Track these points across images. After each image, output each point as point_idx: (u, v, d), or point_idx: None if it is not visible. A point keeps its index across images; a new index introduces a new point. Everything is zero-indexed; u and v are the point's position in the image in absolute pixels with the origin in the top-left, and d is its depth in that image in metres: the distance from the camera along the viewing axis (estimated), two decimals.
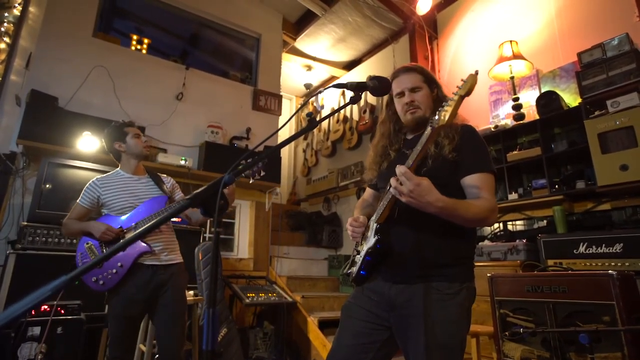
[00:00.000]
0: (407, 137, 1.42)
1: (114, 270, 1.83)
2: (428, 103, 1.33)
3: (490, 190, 1.20)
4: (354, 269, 1.31)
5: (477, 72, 1.06)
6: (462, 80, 1.04)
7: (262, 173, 1.89)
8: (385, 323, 1.23)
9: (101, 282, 1.82)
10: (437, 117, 1.03)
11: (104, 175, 2.06)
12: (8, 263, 2.40)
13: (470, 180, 1.19)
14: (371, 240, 1.22)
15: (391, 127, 1.43)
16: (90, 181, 2.00)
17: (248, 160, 0.94)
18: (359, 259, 1.29)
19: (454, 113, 1.03)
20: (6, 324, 0.42)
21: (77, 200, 1.98)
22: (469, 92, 1.03)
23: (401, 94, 1.34)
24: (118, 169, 2.08)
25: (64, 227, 1.94)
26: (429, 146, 1.10)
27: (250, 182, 1.92)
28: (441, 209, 1.04)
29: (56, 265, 2.49)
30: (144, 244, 1.90)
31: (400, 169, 1.03)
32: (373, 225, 1.24)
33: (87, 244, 1.92)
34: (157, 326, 1.94)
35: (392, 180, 1.05)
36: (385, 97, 1.42)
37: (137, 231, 0.72)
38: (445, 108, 1.02)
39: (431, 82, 1.36)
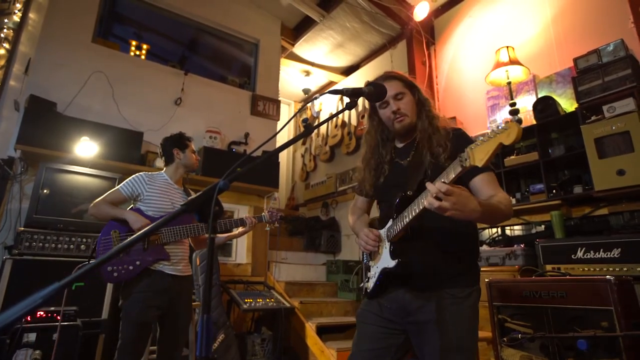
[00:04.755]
0: (397, 146, 1.42)
1: (130, 267, 1.88)
2: (412, 108, 1.34)
3: (496, 183, 1.22)
4: (369, 285, 1.32)
5: (520, 120, 0.99)
6: (503, 125, 0.88)
7: (280, 217, 2.28)
8: (399, 327, 1.26)
9: (115, 273, 1.87)
10: (467, 155, 0.92)
11: (151, 173, 2.14)
12: (4, 268, 2.38)
13: (479, 182, 1.21)
14: (390, 262, 1.21)
15: (378, 138, 1.43)
16: (139, 174, 2.09)
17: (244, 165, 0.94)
18: (372, 275, 1.30)
19: (491, 158, 0.88)
20: None
21: (118, 186, 2.05)
22: (512, 143, 0.85)
23: (385, 103, 1.33)
24: (163, 172, 2.18)
25: (94, 207, 1.98)
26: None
27: (267, 229, 2.17)
28: (482, 213, 1.03)
29: (53, 270, 2.48)
30: (165, 251, 1.98)
31: (437, 187, 0.96)
32: (387, 244, 1.24)
33: (115, 231, 1.96)
34: (164, 331, 2.01)
35: (431, 200, 0.98)
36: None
37: (141, 231, 0.72)
38: (478, 151, 0.89)
39: (412, 87, 1.37)
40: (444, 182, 0.97)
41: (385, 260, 1.23)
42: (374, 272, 1.28)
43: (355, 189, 1.55)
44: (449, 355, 1.12)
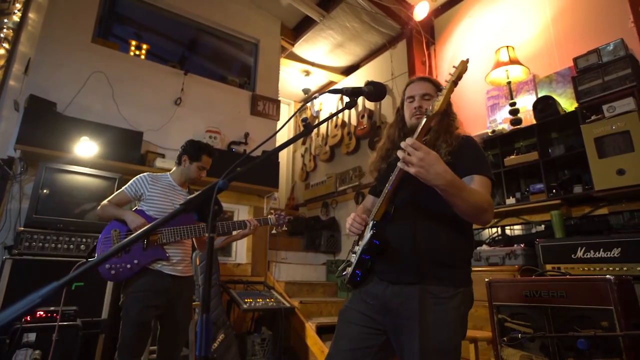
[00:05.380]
0: None
1: (128, 265, 1.89)
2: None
3: (488, 191, 1.21)
4: (349, 270, 1.31)
5: (467, 60, 1.10)
6: (453, 67, 1.07)
7: (287, 221, 2.24)
8: (381, 327, 1.23)
9: (113, 271, 1.88)
10: (430, 107, 1.04)
11: (155, 174, 2.16)
12: (4, 268, 2.38)
13: (469, 180, 1.20)
14: (367, 236, 1.22)
15: (397, 132, 1.48)
16: (142, 174, 2.11)
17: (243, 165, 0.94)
18: (354, 258, 1.30)
19: (447, 100, 1.04)
20: None
21: (123, 188, 2.08)
22: (459, 77, 1.06)
23: (412, 99, 1.40)
24: (169, 173, 2.19)
25: (101, 208, 2.03)
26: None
27: (274, 232, 2.16)
28: (449, 182, 1.02)
29: (53, 270, 2.48)
30: (164, 251, 1.98)
31: (407, 141, 1.01)
32: (370, 223, 1.26)
33: (115, 230, 1.98)
34: (164, 331, 2.02)
35: (399, 153, 1.03)
36: (384, 102, 1.45)
37: (139, 230, 0.73)
38: (438, 98, 1.03)
39: None
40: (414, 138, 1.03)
41: (365, 238, 1.24)
42: (356, 256, 1.29)
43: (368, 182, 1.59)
44: (425, 357, 1.09)
